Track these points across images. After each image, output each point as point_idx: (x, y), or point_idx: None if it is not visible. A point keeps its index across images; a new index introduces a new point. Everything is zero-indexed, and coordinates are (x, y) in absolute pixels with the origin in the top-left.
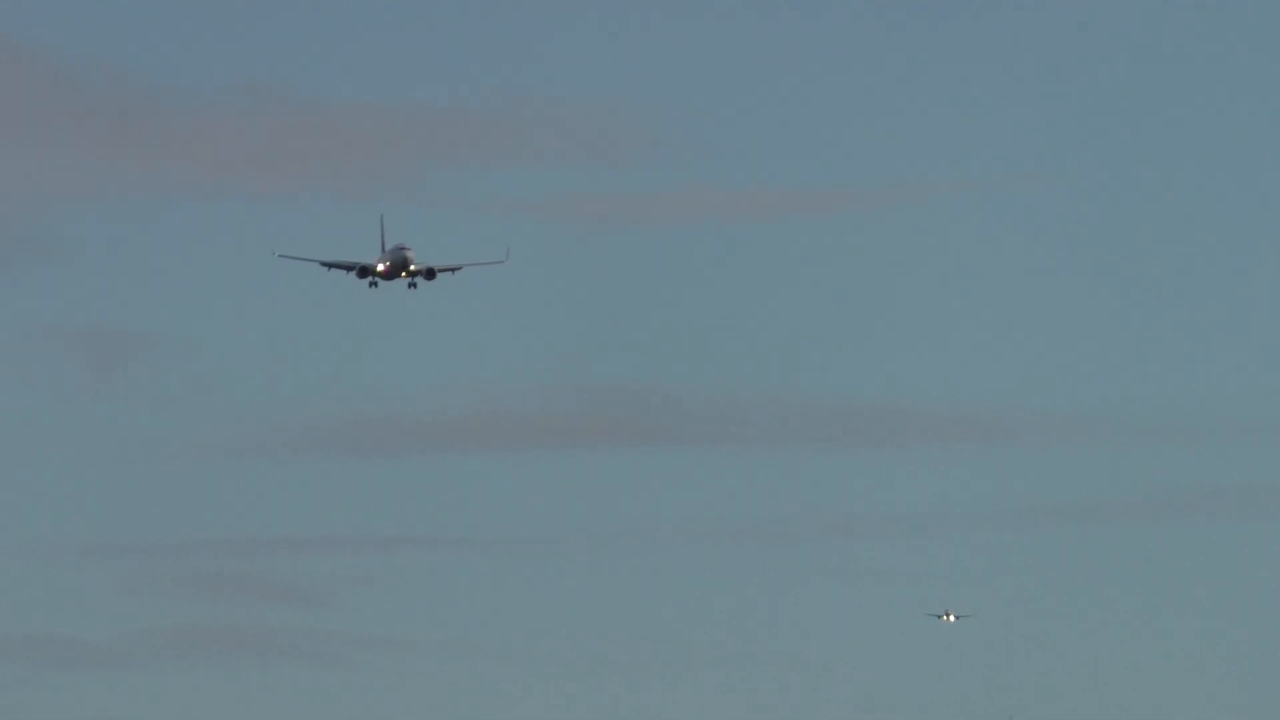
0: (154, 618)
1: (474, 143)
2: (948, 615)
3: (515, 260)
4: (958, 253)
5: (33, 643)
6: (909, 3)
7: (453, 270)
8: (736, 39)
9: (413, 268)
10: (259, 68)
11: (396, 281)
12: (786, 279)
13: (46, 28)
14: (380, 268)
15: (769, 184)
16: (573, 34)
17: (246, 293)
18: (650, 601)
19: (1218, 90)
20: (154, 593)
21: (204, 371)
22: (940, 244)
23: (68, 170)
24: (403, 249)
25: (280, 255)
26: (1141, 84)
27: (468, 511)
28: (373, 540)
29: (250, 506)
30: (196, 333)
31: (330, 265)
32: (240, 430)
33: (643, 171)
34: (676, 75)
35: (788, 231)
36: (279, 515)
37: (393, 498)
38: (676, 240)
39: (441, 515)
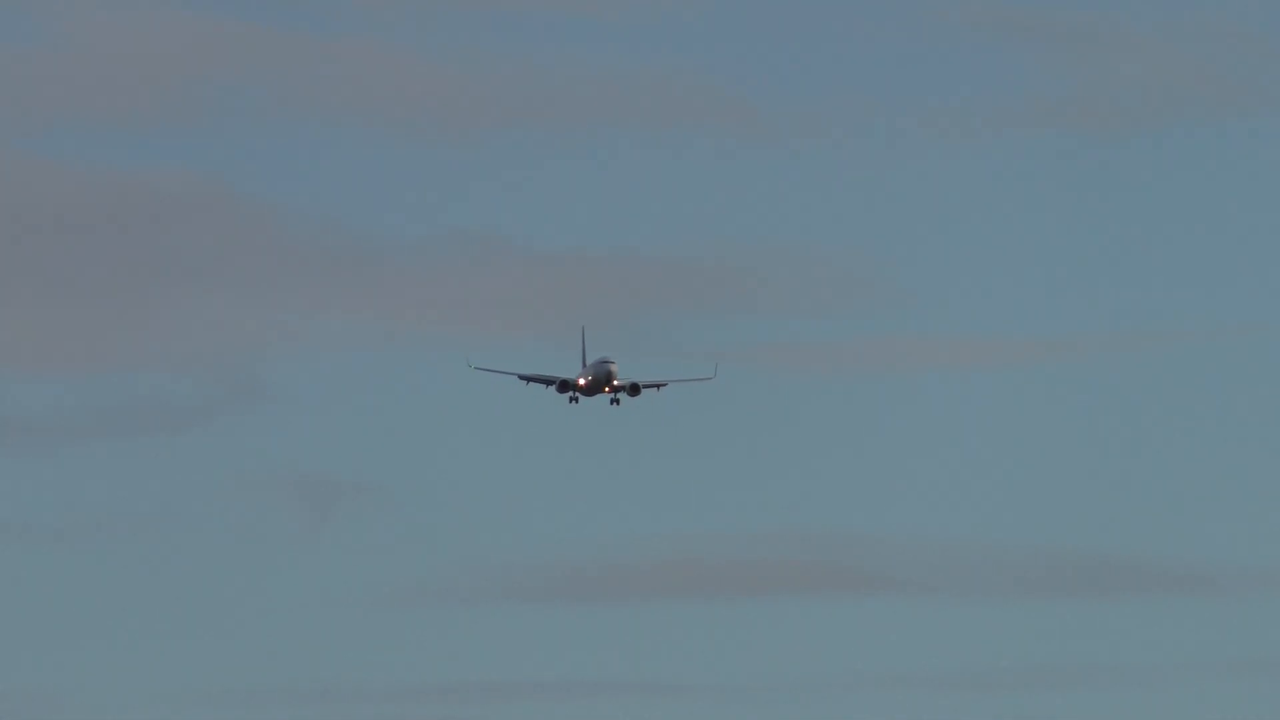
0: None
1: (679, 291)
2: None
3: (721, 380)
4: (1169, 404)
5: None
6: (1106, 159)
7: (658, 386)
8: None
9: (616, 383)
10: (467, 216)
11: (598, 397)
12: (998, 425)
13: (259, 178)
14: (581, 382)
15: (973, 331)
16: (776, 182)
17: (451, 430)
18: None
19: None
20: None
21: (412, 515)
22: (1147, 395)
23: (281, 318)
24: (606, 362)
25: (476, 367)
26: None
27: (673, 659)
28: (577, 686)
29: (461, 651)
30: (404, 476)
31: (529, 379)
32: (448, 575)
33: (848, 318)
34: (877, 222)
35: (997, 378)
36: (488, 660)
37: (598, 643)
38: (884, 387)
39: (646, 662)
